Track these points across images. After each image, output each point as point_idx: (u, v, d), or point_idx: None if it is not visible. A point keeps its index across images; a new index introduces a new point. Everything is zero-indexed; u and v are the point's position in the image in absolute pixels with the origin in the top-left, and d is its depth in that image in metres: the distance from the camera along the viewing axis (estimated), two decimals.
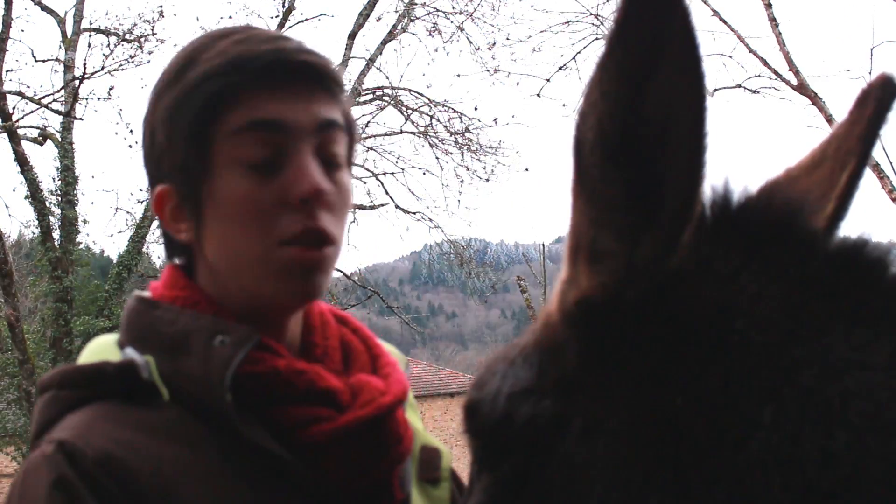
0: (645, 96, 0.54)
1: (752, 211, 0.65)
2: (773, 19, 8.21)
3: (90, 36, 12.60)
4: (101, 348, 0.98)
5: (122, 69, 12.35)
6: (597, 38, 10.01)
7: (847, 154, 0.77)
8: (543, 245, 10.60)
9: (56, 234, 11.49)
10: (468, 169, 13.07)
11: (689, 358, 0.59)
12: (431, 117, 12.90)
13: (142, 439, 0.84)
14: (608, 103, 0.55)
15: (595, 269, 0.62)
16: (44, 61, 12.40)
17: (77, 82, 11.65)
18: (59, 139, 11.72)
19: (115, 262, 12.36)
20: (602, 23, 9.87)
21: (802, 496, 0.53)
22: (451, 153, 13.10)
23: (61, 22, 12.50)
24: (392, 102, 12.93)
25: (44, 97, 11.53)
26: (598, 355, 0.64)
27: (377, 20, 13.05)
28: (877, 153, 7.43)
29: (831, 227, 0.76)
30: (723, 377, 0.58)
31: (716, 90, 8.95)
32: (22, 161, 11.12)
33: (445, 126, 12.93)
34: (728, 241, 0.63)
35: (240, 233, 0.90)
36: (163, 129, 0.93)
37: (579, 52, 10.29)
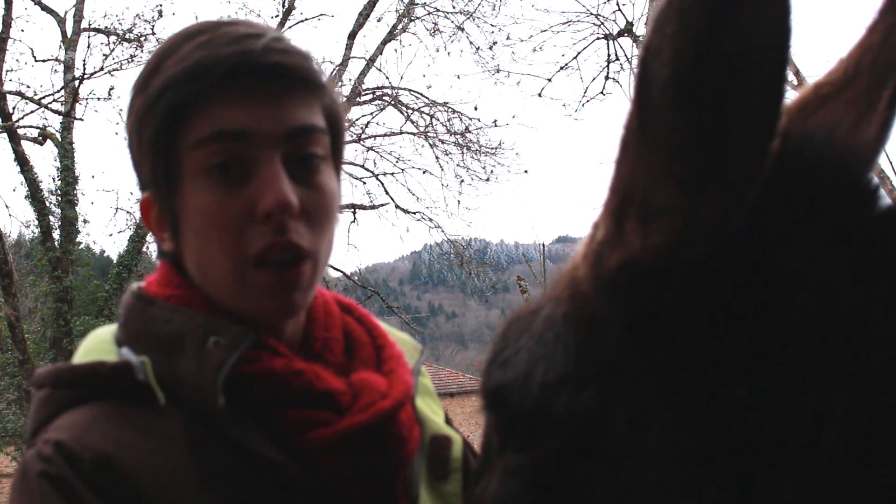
0: (728, 30, 0.49)
1: (805, 162, 0.58)
2: None
3: (90, 36, 12.58)
4: (99, 344, 0.96)
5: (122, 69, 12.34)
6: (598, 38, 10.01)
7: (886, 68, 0.66)
8: (543, 245, 10.56)
9: (56, 234, 11.46)
10: (468, 169, 13.06)
11: (749, 338, 0.54)
12: (431, 117, 12.87)
13: (140, 441, 0.83)
14: (688, 37, 0.49)
15: (649, 228, 0.55)
16: (44, 61, 12.39)
17: (77, 82, 11.64)
18: (59, 139, 11.69)
19: (115, 262, 12.34)
20: (603, 22, 9.88)
21: (881, 496, 0.49)
22: (451, 153, 13.07)
23: (61, 22, 12.47)
24: (392, 103, 12.90)
25: (44, 97, 11.54)
26: (645, 332, 0.58)
27: (377, 20, 13.06)
28: None
29: (872, 158, 0.66)
30: (787, 362, 0.52)
31: None
32: (22, 161, 11.10)
33: (445, 126, 12.91)
34: (783, 197, 0.56)
35: (209, 247, 0.87)
36: (133, 139, 0.90)
37: (580, 52, 10.29)
